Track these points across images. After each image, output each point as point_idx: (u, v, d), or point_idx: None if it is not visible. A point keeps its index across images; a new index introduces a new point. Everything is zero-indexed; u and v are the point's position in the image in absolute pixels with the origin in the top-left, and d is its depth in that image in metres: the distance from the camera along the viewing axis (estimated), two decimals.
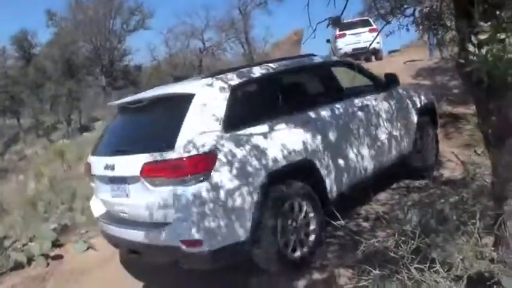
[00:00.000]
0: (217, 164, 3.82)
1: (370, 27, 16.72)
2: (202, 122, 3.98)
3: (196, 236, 3.72)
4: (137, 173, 3.96)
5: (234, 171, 3.89)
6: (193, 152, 3.77)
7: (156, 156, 3.84)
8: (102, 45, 36.46)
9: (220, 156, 3.86)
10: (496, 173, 3.37)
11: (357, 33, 16.69)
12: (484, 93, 3.12)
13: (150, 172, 3.90)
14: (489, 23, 2.34)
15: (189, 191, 3.73)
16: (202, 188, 3.74)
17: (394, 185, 6.62)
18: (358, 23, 16.53)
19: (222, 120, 4.06)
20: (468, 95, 10.64)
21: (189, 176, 3.73)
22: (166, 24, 41.13)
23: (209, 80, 4.37)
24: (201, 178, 3.74)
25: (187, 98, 4.07)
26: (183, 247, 3.78)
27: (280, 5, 45.21)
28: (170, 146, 3.81)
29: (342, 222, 4.56)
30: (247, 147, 4.07)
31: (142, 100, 4.48)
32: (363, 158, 5.36)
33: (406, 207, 4.89)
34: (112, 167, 4.28)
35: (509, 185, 3.22)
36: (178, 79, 17.20)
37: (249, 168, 3.99)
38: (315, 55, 6.04)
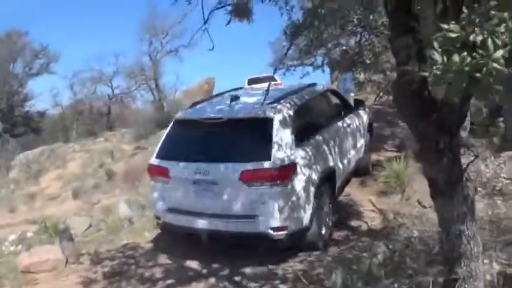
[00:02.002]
0: (295, 171, 5.17)
1: (275, 82, 17.00)
2: (282, 139, 5.23)
3: (283, 224, 5.04)
4: (236, 177, 5.09)
5: (303, 176, 5.29)
6: (283, 163, 5.08)
7: (256, 165, 5.08)
8: (0, 89, 33.39)
9: (297, 165, 5.22)
10: (446, 227, 2.75)
11: (264, 88, 17.38)
12: (432, 128, 2.59)
13: (249, 177, 5.07)
14: (454, 23, 1.75)
15: (279, 191, 5.04)
16: (287, 189, 5.08)
17: None
18: (264, 78, 18.14)
19: (293, 138, 5.35)
20: (386, 139, 10.86)
21: (280, 180, 5.03)
22: (73, 69, 38.74)
23: (277, 106, 5.55)
24: (287, 181, 5.08)
25: (268, 121, 5.29)
26: (272, 232, 5.03)
27: (192, 52, 45.28)
28: (266, 158, 5.05)
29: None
30: (308, 157, 5.48)
31: (222, 118, 5.54)
32: (349, 161, 7.00)
33: (328, 266, 4.27)
34: (206, 172, 5.28)
35: (462, 241, 2.60)
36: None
37: (310, 173, 5.42)
38: (316, 83, 7.52)
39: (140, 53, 33.00)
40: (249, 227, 5.16)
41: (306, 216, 5.26)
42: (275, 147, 5.11)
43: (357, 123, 7.73)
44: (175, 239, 6.35)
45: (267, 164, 5.04)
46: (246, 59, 67.21)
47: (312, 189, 5.39)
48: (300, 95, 6.28)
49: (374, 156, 9.56)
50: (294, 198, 5.13)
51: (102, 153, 19.41)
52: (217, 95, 7.17)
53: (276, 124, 5.26)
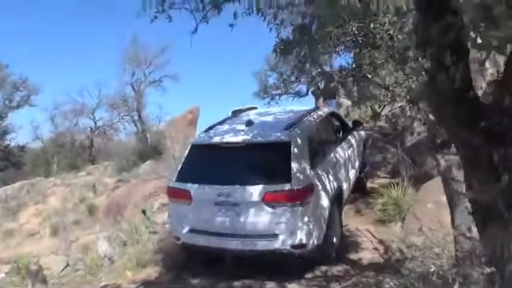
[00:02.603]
0: (313, 191, 5.48)
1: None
2: (300, 162, 5.54)
3: (303, 241, 5.30)
4: (258, 199, 5.37)
5: (319, 196, 5.65)
6: (303, 185, 5.37)
7: (277, 187, 5.35)
8: None
9: (314, 186, 5.54)
10: (500, 265, 2.19)
11: None
12: (480, 137, 2.10)
13: (271, 199, 5.35)
14: None
15: (299, 211, 5.32)
16: (307, 209, 5.36)
17: (309, 274, 5.55)
18: (247, 110, 18.06)
19: (309, 161, 5.71)
20: (378, 166, 10.49)
21: (300, 201, 5.32)
22: (54, 101, 37.89)
23: (293, 130, 5.84)
24: (306, 202, 5.35)
25: (286, 144, 5.59)
26: (292, 250, 5.30)
27: (176, 83, 45.02)
28: (286, 180, 5.32)
29: None
30: (322, 178, 5.86)
31: (241, 142, 5.84)
32: (351, 179, 7.35)
33: None
34: (228, 194, 5.51)
35: None
36: None
37: (325, 193, 5.79)
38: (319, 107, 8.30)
39: (123, 84, 32.50)
40: (271, 245, 5.40)
41: (322, 232, 5.57)
42: (294, 170, 5.43)
43: (357, 144, 8.18)
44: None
45: (287, 186, 5.33)
46: (230, 89, 67.50)
47: (326, 207, 5.76)
48: (310, 119, 6.60)
49: (367, 184, 9.20)
50: (312, 217, 5.42)
51: (83, 188, 18.73)
52: (228, 118, 7.35)
53: (293, 148, 5.60)
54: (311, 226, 5.37)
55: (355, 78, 9.78)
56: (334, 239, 5.96)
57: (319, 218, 5.54)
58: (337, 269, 5.57)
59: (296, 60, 7.95)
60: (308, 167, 5.61)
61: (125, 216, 10.09)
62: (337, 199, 6.21)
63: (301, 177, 5.43)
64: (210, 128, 6.67)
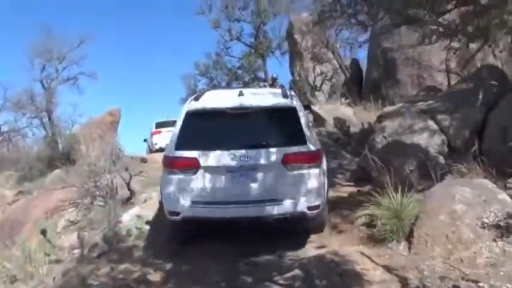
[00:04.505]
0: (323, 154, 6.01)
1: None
2: (307, 127, 5.85)
3: (316, 203, 5.38)
4: (278, 161, 5.32)
5: (324, 161, 5.94)
6: (317, 147, 5.61)
7: (296, 149, 5.38)
8: None
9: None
10: None
11: (170, 131, 17.53)
12: None
13: (291, 160, 5.33)
14: None
15: (315, 173, 5.41)
16: (320, 171, 5.51)
17: None
18: (171, 122, 17.44)
19: (311, 125, 6.73)
20: (335, 173, 8.91)
21: (316, 162, 5.46)
22: None
23: (292, 99, 5.97)
24: (319, 163, 5.54)
25: (293, 110, 5.67)
26: (308, 212, 5.34)
27: (94, 82, 40.73)
28: (302, 142, 5.43)
29: None
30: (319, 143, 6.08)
31: (248, 108, 5.66)
32: None
33: None
34: (245, 158, 5.33)
35: None
36: None
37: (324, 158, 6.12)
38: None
39: (30, 80, 28.31)
40: (287, 209, 5.31)
41: (326, 195, 5.72)
42: (306, 133, 5.51)
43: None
44: None
45: (305, 148, 5.39)
46: (155, 92, 64.26)
47: (326, 171, 5.95)
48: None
49: (330, 193, 7.53)
50: (322, 179, 5.53)
51: None
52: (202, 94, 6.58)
53: (299, 113, 5.66)
54: (322, 188, 5.50)
55: None
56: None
57: (324, 181, 5.66)
58: None
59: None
60: (313, 132, 5.97)
61: (19, 239, 7.51)
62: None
63: (313, 140, 5.64)
64: (198, 96, 6.19)
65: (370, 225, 5.70)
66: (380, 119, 13.64)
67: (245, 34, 29.41)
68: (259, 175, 5.34)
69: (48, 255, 6.43)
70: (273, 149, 5.36)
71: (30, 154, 19.92)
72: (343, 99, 18.43)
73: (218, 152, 5.41)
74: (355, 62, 22.19)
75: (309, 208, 5.30)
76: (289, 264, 5.02)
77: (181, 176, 5.55)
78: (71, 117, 28.93)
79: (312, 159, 5.40)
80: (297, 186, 5.30)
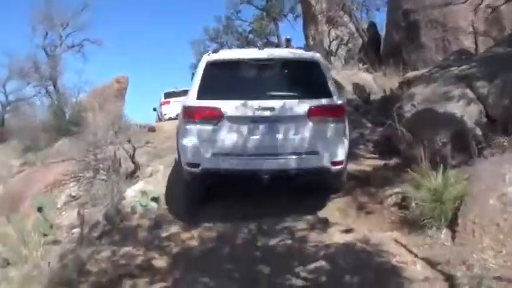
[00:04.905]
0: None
1: None
2: (331, 80, 5.68)
3: (341, 158, 5.31)
4: (304, 113, 5.22)
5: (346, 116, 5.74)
6: (342, 101, 5.65)
7: (322, 102, 5.31)
8: None
9: None
10: None
11: (179, 101, 17.78)
12: None
13: (317, 113, 5.25)
14: None
15: (340, 127, 5.38)
16: (344, 125, 5.47)
17: None
18: (180, 93, 17.89)
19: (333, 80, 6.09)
20: (356, 144, 8.26)
21: (340, 117, 5.42)
22: None
23: (315, 52, 6.46)
24: (344, 118, 5.50)
25: (316, 64, 5.65)
26: (332, 167, 5.23)
27: (99, 49, 39.60)
28: (328, 95, 5.38)
29: None
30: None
31: (271, 59, 5.62)
32: None
33: None
34: (270, 109, 5.19)
35: None
36: None
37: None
38: None
39: (33, 47, 27.53)
40: (312, 163, 5.23)
41: (347, 153, 5.48)
42: (331, 87, 5.48)
43: None
44: None
45: (331, 101, 5.33)
46: (164, 59, 63.11)
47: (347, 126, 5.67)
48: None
49: (352, 166, 6.90)
50: (345, 134, 5.44)
51: None
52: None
53: (323, 67, 5.66)
54: (346, 143, 5.41)
55: None
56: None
57: (347, 137, 5.52)
58: None
59: None
60: (336, 87, 5.73)
61: (15, 216, 6.96)
62: None
63: (337, 94, 5.57)
64: (214, 51, 6.03)
65: (402, 206, 5.04)
66: (402, 85, 12.80)
67: None
68: (284, 127, 5.23)
69: (46, 235, 5.90)
70: (298, 101, 5.28)
71: (35, 123, 19.36)
72: (360, 65, 17.51)
73: (242, 102, 5.28)
74: (372, 26, 21.06)
75: (333, 163, 5.23)
76: (312, 252, 4.33)
77: (202, 126, 5.36)
78: (77, 85, 28.30)
79: (337, 112, 5.37)
80: (322, 140, 5.22)
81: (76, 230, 6.06)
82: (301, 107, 5.23)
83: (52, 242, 5.76)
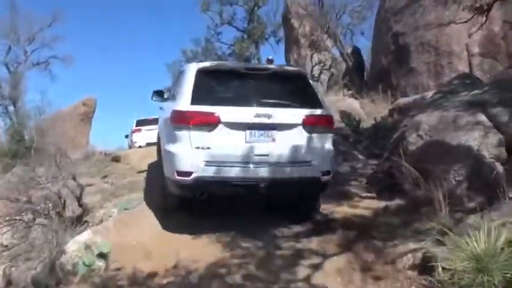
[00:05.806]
0: None
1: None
2: (318, 92, 5.95)
3: (330, 168, 5.47)
4: (299, 122, 5.28)
5: None
6: (330, 112, 5.81)
7: (316, 111, 5.41)
8: None
9: None
10: None
11: (150, 129, 17.69)
12: None
13: (311, 122, 5.33)
14: None
15: (329, 137, 5.57)
16: (332, 136, 5.69)
17: None
18: (152, 121, 17.69)
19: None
20: (348, 179, 7.10)
21: (332, 126, 5.67)
22: None
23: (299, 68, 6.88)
24: (332, 130, 5.74)
25: (304, 76, 5.96)
26: (323, 177, 5.33)
27: (67, 68, 37.49)
28: (320, 106, 5.52)
29: None
30: None
31: (263, 69, 5.73)
32: None
33: None
34: (267, 116, 5.18)
35: None
36: None
37: None
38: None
39: None
40: (304, 173, 5.26)
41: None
42: (321, 98, 5.73)
43: None
44: None
45: (323, 111, 5.48)
46: (137, 80, 61.59)
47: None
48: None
49: (347, 209, 5.97)
50: (332, 145, 5.61)
51: None
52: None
53: (310, 80, 5.97)
54: (333, 154, 5.60)
55: None
56: None
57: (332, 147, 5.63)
58: None
59: None
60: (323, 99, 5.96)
61: None
62: None
63: (325, 105, 5.72)
64: (199, 62, 6.18)
65: (424, 268, 3.82)
66: (393, 112, 11.88)
67: (237, 18, 27.50)
68: (280, 135, 5.26)
69: None
70: (293, 109, 5.35)
71: None
72: (345, 91, 16.66)
73: (238, 108, 5.24)
74: (356, 50, 20.40)
75: (323, 173, 5.34)
76: None
77: (196, 132, 5.15)
78: (39, 107, 26.11)
79: (329, 122, 5.55)
80: (314, 149, 5.33)
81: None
82: (296, 115, 5.28)
83: None
